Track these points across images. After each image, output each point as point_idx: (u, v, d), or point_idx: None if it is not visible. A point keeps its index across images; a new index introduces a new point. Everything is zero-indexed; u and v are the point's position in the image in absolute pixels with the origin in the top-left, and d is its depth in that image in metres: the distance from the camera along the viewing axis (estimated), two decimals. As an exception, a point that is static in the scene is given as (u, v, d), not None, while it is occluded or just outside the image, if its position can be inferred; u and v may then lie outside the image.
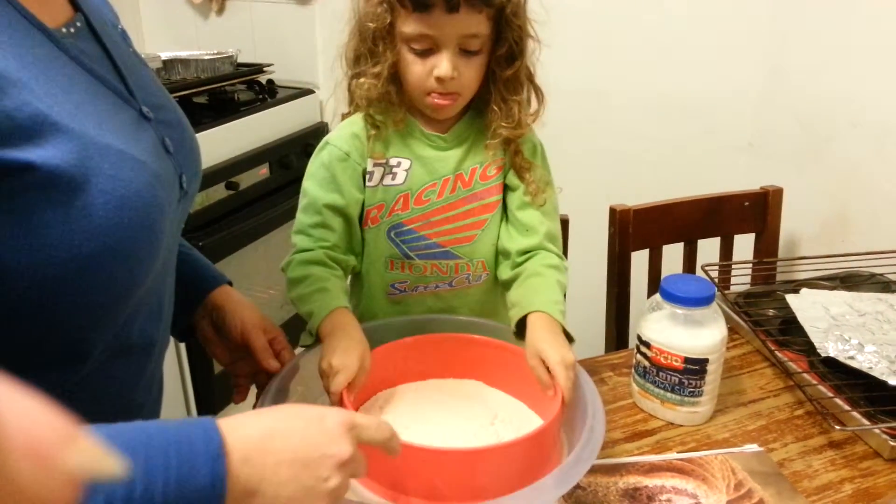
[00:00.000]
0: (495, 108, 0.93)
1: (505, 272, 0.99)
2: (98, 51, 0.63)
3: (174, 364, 1.63)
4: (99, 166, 0.53)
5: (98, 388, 0.63)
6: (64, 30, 0.59)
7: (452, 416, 0.83)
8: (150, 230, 0.59)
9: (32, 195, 0.50)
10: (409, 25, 0.85)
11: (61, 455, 0.28)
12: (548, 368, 0.79)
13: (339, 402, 0.75)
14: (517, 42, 0.89)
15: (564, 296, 0.92)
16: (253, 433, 0.51)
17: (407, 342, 0.88)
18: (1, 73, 0.48)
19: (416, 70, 0.87)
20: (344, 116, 0.98)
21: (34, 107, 0.50)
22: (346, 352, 0.77)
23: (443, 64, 0.86)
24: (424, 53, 0.86)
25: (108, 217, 0.53)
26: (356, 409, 0.80)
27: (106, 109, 0.58)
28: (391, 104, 0.92)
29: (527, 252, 0.97)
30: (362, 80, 0.90)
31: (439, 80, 0.87)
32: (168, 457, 0.45)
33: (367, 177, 0.95)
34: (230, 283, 0.90)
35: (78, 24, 0.62)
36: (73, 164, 0.51)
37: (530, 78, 0.94)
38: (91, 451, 0.30)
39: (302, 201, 0.95)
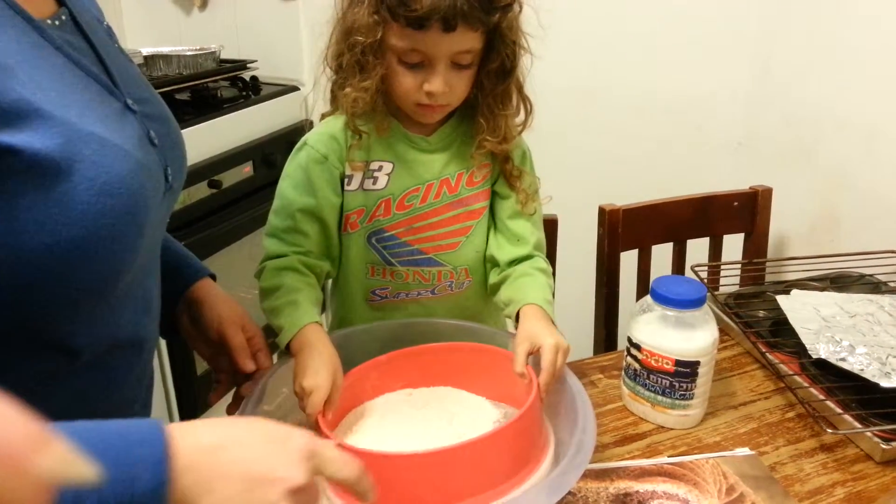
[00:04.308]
0: (482, 121, 0.91)
1: (493, 279, 0.97)
2: (83, 44, 0.64)
3: (156, 363, 1.59)
4: (81, 152, 0.53)
5: (88, 382, 0.63)
6: (49, 21, 0.60)
7: (413, 424, 0.81)
8: (134, 219, 0.58)
9: (15, 179, 0.50)
10: (401, 40, 0.82)
11: (33, 460, 0.28)
12: (536, 353, 0.78)
13: (316, 423, 0.73)
14: (510, 56, 0.87)
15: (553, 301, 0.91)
16: (204, 442, 0.49)
17: (381, 360, 0.86)
18: None
19: (406, 82, 0.85)
20: (324, 116, 0.95)
21: (18, 92, 0.50)
22: (318, 371, 0.76)
23: (435, 80, 0.83)
24: (415, 66, 0.84)
25: (91, 203, 0.53)
26: (334, 427, 0.79)
27: (90, 99, 0.59)
28: (376, 112, 0.89)
29: (516, 261, 0.96)
30: (348, 89, 0.86)
31: (430, 94, 0.84)
32: (108, 457, 0.41)
33: (346, 180, 0.92)
34: (213, 276, 0.88)
35: (63, 17, 0.62)
36: (56, 150, 0.52)
37: (520, 89, 0.92)
38: (63, 456, 0.30)
39: (275, 203, 0.93)
